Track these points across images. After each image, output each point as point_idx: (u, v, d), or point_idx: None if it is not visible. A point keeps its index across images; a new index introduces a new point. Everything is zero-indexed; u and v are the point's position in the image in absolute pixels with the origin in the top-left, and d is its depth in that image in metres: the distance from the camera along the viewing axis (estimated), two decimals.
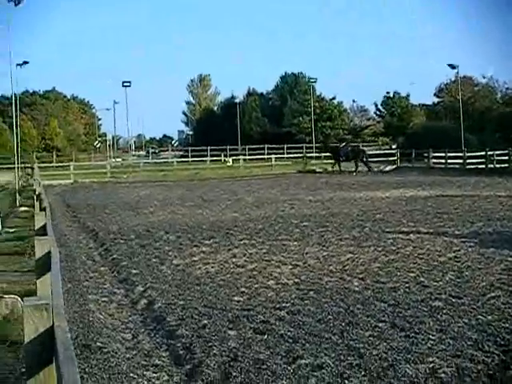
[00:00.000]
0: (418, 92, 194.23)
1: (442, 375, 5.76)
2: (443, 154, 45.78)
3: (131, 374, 6.10)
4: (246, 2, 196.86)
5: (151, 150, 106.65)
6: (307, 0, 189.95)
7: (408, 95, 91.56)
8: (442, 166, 45.28)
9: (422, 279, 9.80)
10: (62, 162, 65.72)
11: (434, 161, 47.22)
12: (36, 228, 7.74)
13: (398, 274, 10.25)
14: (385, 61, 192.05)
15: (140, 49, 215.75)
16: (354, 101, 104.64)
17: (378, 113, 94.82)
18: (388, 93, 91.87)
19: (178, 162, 66.30)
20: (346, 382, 5.67)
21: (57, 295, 3.48)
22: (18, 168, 34.27)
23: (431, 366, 5.99)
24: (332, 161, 46.92)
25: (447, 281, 9.65)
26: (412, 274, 10.17)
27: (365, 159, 45.20)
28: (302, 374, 5.88)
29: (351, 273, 10.46)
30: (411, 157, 50.45)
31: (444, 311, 7.91)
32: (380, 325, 7.38)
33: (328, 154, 48.32)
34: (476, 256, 11.60)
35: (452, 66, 59.98)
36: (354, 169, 43.85)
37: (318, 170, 47.27)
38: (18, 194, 29.00)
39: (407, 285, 9.45)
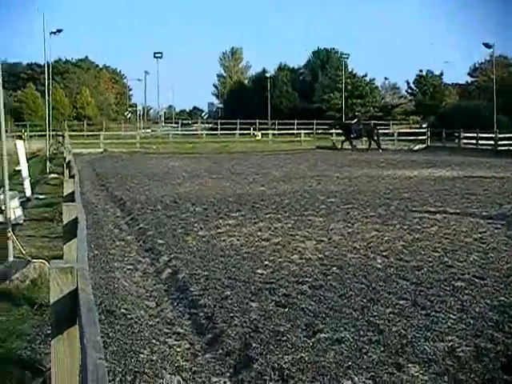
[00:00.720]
0: (452, 71, 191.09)
1: (461, 354, 5.79)
2: (474, 135, 45.24)
3: (153, 341, 6.22)
4: None
5: (182, 122, 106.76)
6: None
7: (441, 74, 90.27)
8: (473, 146, 44.74)
9: (446, 259, 9.79)
10: (92, 131, 66.33)
11: (465, 141, 46.70)
12: (64, 195, 7.87)
13: (422, 252, 10.25)
14: (419, 38, 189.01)
15: (173, 20, 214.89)
16: (385, 78, 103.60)
17: (409, 91, 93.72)
18: (421, 71, 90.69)
19: (207, 134, 66.41)
20: (365, 356, 5.72)
21: (82, 259, 3.57)
22: (49, 136, 34.59)
23: (450, 344, 6.02)
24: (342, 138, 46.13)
25: (471, 261, 9.63)
26: (436, 254, 10.16)
27: (376, 137, 44.46)
28: (320, 348, 5.95)
29: (375, 250, 10.48)
30: (442, 136, 49.89)
31: (466, 291, 7.91)
32: (401, 302, 7.41)
33: (340, 131, 47.20)
34: (502, 238, 11.54)
35: (487, 45, 58.89)
36: (366, 146, 43.43)
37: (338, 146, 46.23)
38: (48, 162, 29.33)
39: (431, 264, 9.45)
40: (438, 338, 6.21)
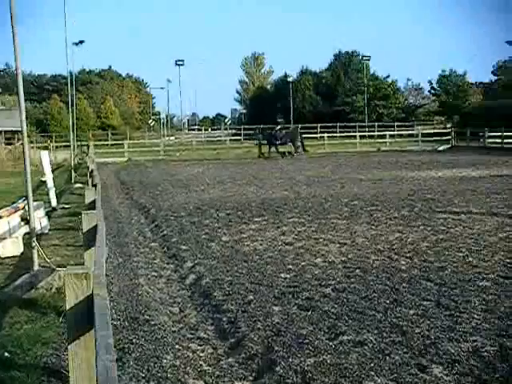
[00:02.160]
0: (476, 70, 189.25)
1: (485, 354, 5.74)
2: (499, 134, 44.81)
3: (176, 346, 6.26)
4: None
5: (205, 129, 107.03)
6: None
7: (465, 73, 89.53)
8: (498, 145, 44.34)
9: (470, 259, 9.72)
10: (116, 140, 66.86)
11: (490, 140, 46.32)
12: (86, 203, 7.96)
13: (447, 253, 10.18)
14: (442, 39, 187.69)
15: (194, 27, 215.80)
16: (408, 79, 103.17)
17: (432, 91, 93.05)
18: (444, 71, 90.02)
19: (230, 140, 66.54)
20: (387, 358, 5.70)
21: (99, 265, 3.62)
22: (73, 146, 34.95)
23: (474, 344, 5.98)
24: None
25: (496, 261, 9.54)
26: (461, 254, 10.08)
27: (300, 142, 43.36)
28: (343, 350, 5.94)
29: (399, 252, 10.44)
30: (466, 136, 49.53)
31: (491, 291, 7.84)
32: (425, 303, 7.37)
33: (265, 139, 44.54)
34: None
35: (510, 43, 58.36)
36: (292, 151, 42.68)
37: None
38: (73, 171, 29.64)
39: (455, 264, 9.38)
40: (462, 338, 6.16)
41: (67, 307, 3.02)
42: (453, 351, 5.82)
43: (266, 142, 43.76)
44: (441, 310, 7.09)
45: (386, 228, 12.74)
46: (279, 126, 44.14)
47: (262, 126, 47.60)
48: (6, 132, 60.75)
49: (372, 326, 6.59)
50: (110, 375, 2.01)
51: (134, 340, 6.40)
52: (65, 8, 31.05)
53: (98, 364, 2.14)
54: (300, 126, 75.82)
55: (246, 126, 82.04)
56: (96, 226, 5.48)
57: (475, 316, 6.83)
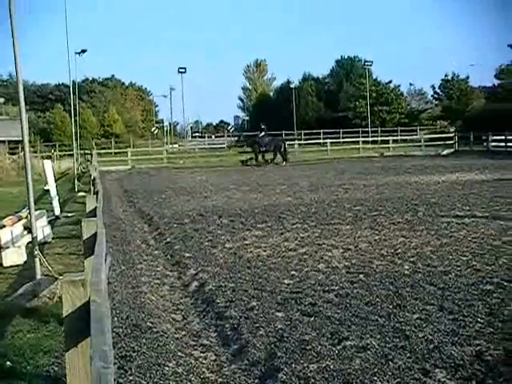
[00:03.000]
0: (478, 74, 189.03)
1: (489, 358, 5.71)
2: (503, 137, 44.73)
3: (179, 353, 6.24)
4: None
5: (208, 136, 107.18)
6: None
7: (467, 77, 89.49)
8: (502, 149, 44.22)
9: (474, 263, 9.68)
10: (120, 148, 67.01)
11: (494, 144, 46.21)
12: (87, 211, 7.96)
13: (450, 257, 10.15)
14: (443, 42, 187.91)
15: (196, 35, 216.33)
16: (411, 84, 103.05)
17: (435, 96, 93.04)
18: (446, 75, 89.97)
19: (233, 146, 66.51)
20: (391, 362, 5.68)
21: (97, 273, 3.61)
22: (77, 154, 35.02)
23: (478, 348, 5.95)
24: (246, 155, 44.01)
25: (500, 265, 9.49)
26: (464, 258, 10.05)
27: (283, 150, 42.66)
28: (346, 355, 5.91)
29: (402, 256, 10.41)
30: (469, 140, 49.47)
31: (495, 295, 7.81)
32: (428, 308, 7.34)
33: (250, 146, 44.04)
34: None
35: None
36: (273, 158, 42.08)
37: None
38: (76, 180, 29.69)
39: (459, 268, 9.35)
40: (465, 342, 6.13)
41: (64, 314, 3.01)
42: (456, 355, 5.80)
43: (250, 149, 43.48)
44: (444, 314, 7.07)
45: (390, 233, 12.71)
46: (263, 133, 43.75)
47: (245, 134, 47.00)
48: (10, 142, 60.94)
49: (375, 330, 6.57)
50: (104, 382, 1.99)
51: (136, 347, 6.38)
52: (66, 17, 31.10)
53: (92, 371, 2.12)
54: (303, 132, 76.43)
55: (249, 133, 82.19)
56: (96, 234, 5.47)
57: (479, 320, 6.80)
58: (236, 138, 45.68)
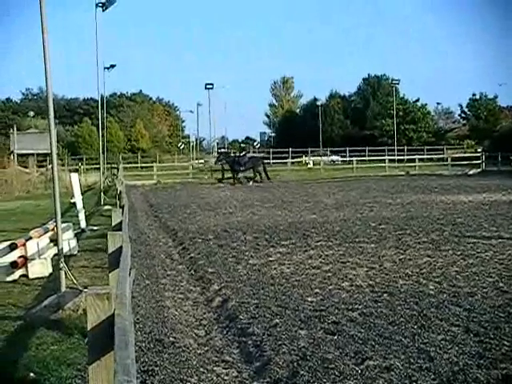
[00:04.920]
0: (507, 93, 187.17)
1: None
2: None
3: (201, 369, 6.22)
4: (326, 5, 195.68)
5: (234, 152, 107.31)
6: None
7: (495, 97, 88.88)
8: None
9: (501, 284, 9.56)
10: (146, 162, 67.44)
11: None
12: (113, 225, 8.01)
13: (476, 278, 10.03)
14: (471, 61, 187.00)
15: (223, 51, 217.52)
16: (438, 103, 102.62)
17: (463, 115, 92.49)
18: (474, 95, 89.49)
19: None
20: None
21: (122, 286, 3.62)
22: (103, 168, 35.32)
23: (504, 372, 5.85)
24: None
25: None
26: (491, 279, 9.93)
27: (263, 169, 43.00)
28: (369, 375, 5.85)
29: (427, 276, 10.31)
30: (497, 160, 49.06)
31: None
32: (453, 329, 7.25)
33: (228, 165, 43.85)
34: None
35: None
36: (253, 177, 42.30)
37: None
38: (102, 194, 29.91)
39: (485, 290, 9.23)
40: (491, 365, 6.04)
41: (88, 327, 3.02)
42: (482, 378, 5.71)
43: (229, 167, 43.58)
44: (470, 336, 6.97)
45: (415, 252, 12.61)
46: (243, 152, 44.01)
47: (223, 151, 47.25)
48: (38, 155, 61.74)
49: (399, 351, 6.50)
50: None
51: (158, 362, 6.38)
52: (96, 33, 31.46)
53: None
54: (329, 149, 76.40)
55: (274, 149, 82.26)
56: (121, 248, 5.50)
57: (505, 342, 6.70)
58: (217, 156, 46.00)
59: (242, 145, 45.38)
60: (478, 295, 8.91)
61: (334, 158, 74.67)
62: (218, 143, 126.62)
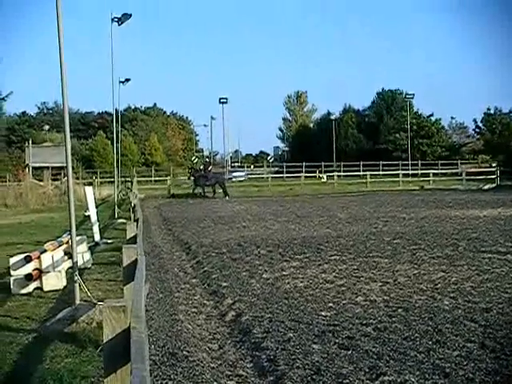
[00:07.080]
0: None
1: None
2: None
3: (214, 383, 6.21)
4: (341, 19, 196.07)
5: (247, 166, 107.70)
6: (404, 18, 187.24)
7: (510, 111, 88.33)
8: None
9: None
10: (160, 176, 67.67)
11: None
12: (127, 238, 8.03)
13: (492, 294, 9.95)
14: (486, 76, 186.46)
15: (237, 66, 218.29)
16: (452, 118, 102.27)
17: (477, 130, 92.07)
18: (489, 109, 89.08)
19: (272, 177, 66.74)
20: None
21: (137, 299, 3.63)
22: (117, 182, 35.47)
23: None
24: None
25: None
26: (506, 295, 9.84)
27: (223, 184, 43.32)
28: None
29: (442, 291, 10.24)
30: None
31: None
32: (469, 345, 7.19)
33: (196, 179, 43.93)
34: None
35: None
36: (214, 192, 42.80)
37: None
38: (116, 207, 30.03)
39: (501, 305, 9.15)
40: (508, 382, 5.98)
41: (104, 340, 3.02)
42: None
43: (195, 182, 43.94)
44: (486, 352, 6.90)
45: (429, 267, 12.53)
46: (210, 167, 44.37)
47: (193, 167, 47.47)
48: (53, 168, 62.04)
49: (414, 367, 6.45)
50: None
51: (172, 376, 6.37)
52: (112, 47, 31.73)
53: None
54: (342, 163, 76.36)
55: (288, 164, 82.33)
56: (136, 261, 5.51)
57: None
58: (189, 170, 46.40)
59: (206, 159, 45.73)
60: (494, 311, 8.84)
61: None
62: (231, 157, 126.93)
